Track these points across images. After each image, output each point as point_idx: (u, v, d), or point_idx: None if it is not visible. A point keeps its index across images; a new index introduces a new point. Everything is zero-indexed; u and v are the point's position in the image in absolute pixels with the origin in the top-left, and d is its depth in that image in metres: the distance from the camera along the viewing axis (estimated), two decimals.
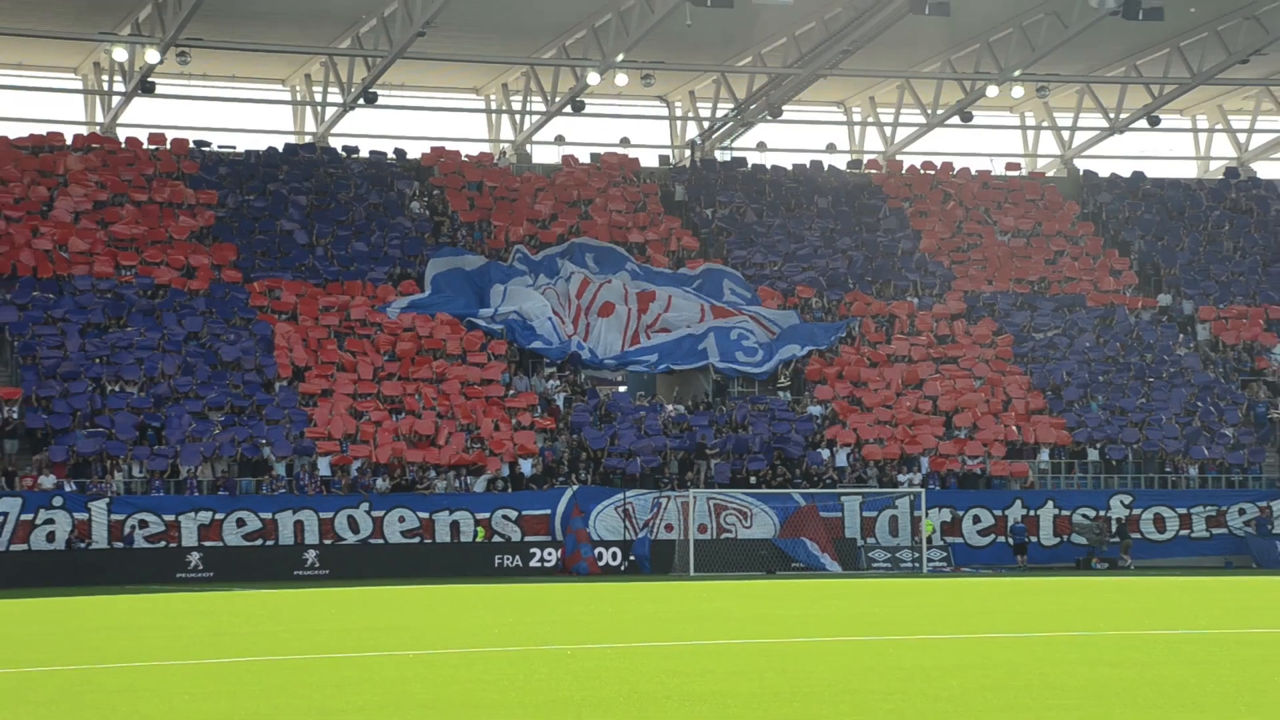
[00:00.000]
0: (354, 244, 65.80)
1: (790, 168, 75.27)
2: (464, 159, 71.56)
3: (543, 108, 71.63)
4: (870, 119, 77.46)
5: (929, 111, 74.26)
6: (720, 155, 75.52)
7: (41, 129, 67.96)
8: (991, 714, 17.89)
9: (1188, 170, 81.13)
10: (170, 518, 53.20)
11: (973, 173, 76.66)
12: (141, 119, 69.57)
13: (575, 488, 56.78)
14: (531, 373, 62.57)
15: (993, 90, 71.39)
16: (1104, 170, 78.61)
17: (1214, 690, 20.11)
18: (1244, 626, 31.21)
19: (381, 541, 54.58)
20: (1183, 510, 60.23)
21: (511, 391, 60.75)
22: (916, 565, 56.95)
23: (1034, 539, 58.78)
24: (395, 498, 55.43)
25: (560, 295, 64.97)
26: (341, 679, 22.60)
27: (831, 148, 77.52)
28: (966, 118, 73.56)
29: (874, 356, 64.96)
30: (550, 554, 55.16)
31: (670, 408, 61.95)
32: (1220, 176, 79.54)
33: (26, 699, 20.41)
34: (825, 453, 60.27)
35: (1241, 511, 60.38)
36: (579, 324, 64.40)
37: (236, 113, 75.22)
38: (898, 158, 76.75)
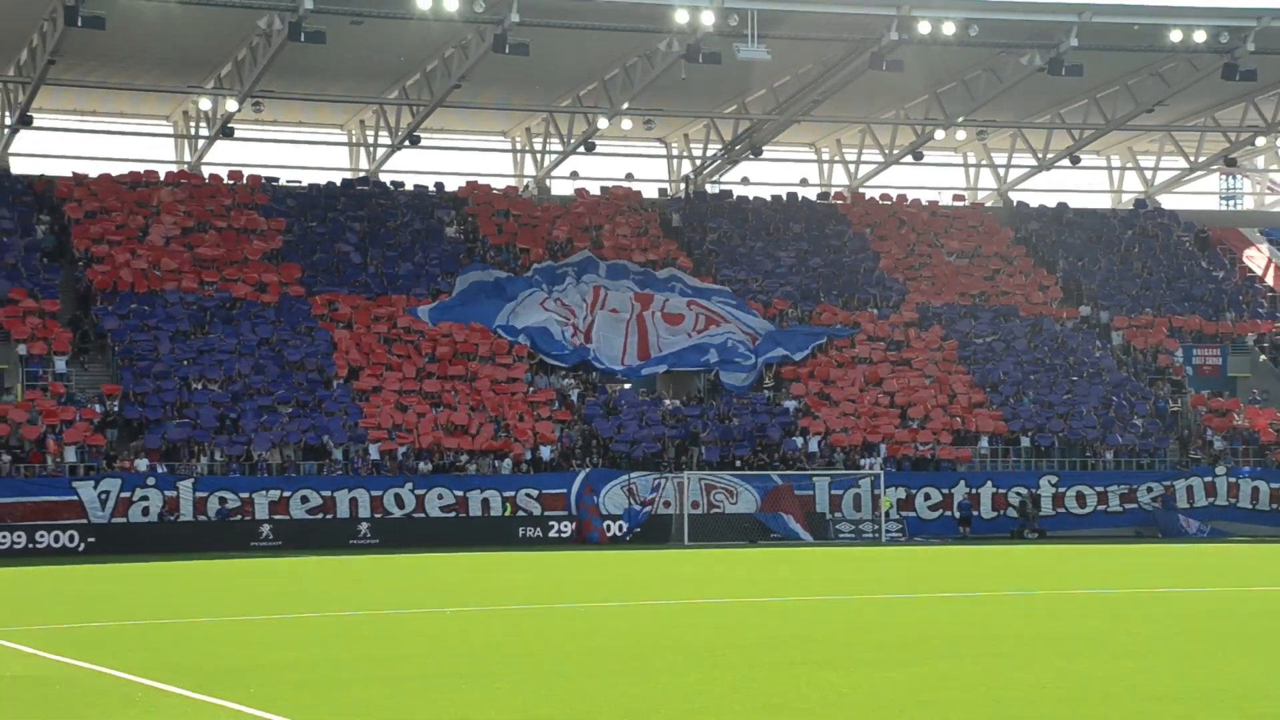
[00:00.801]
0: (400, 263, 65.78)
1: (769, 199, 75.16)
2: (493, 191, 71.52)
3: (560, 148, 71.57)
4: (836, 158, 77.42)
5: (886, 151, 74.26)
6: (710, 188, 75.42)
7: (139, 167, 67.97)
8: (939, 660, 17.97)
9: (1104, 202, 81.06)
10: (245, 495, 53.19)
11: (923, 203, 76.59)
12: (222, 158, 69.54)
13: (587, 470, 56.76)
14: (550, 372, 62.57)
15: (940, 134, 71.57)
16: (1034, 201, 78.55)
17: (1126, 640, 20.19)
18: (1151, 587, 31.31)
19: (423, 515, 54.47)
20: (1100, 489, 60.17)
21: (532, 388, 60.75)
22: (876, 535, 56.90)
23: (976, 513, 58.68)
24: (435, 478, 55.38)
25: (569, 303, 65.00)
26: (390, 631, 22.70)
27: (804, 182, 77.44)
28: (918, 157, 73.55)
29: (840, 359, 65.00)
30: (566, 526, 55.11)
31: (668, 402, 61.95)
32: (1131, 207, 79.51)
33: (128, 646, 20.53)
34: (799, 440, 60.28)
35: (1149, 490, 60.30)
36: (590, 330, 64.40)
37: (301, 153, 75.63)
38: (860, 190, 76.70)
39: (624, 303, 65.32)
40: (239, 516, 52.82)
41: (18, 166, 67.20)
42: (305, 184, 70.03)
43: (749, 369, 63.70)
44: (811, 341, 65.39)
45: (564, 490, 55.86)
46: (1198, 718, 13.39)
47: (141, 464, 53.48)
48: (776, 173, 77.79)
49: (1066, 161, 75.43)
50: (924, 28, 59.29)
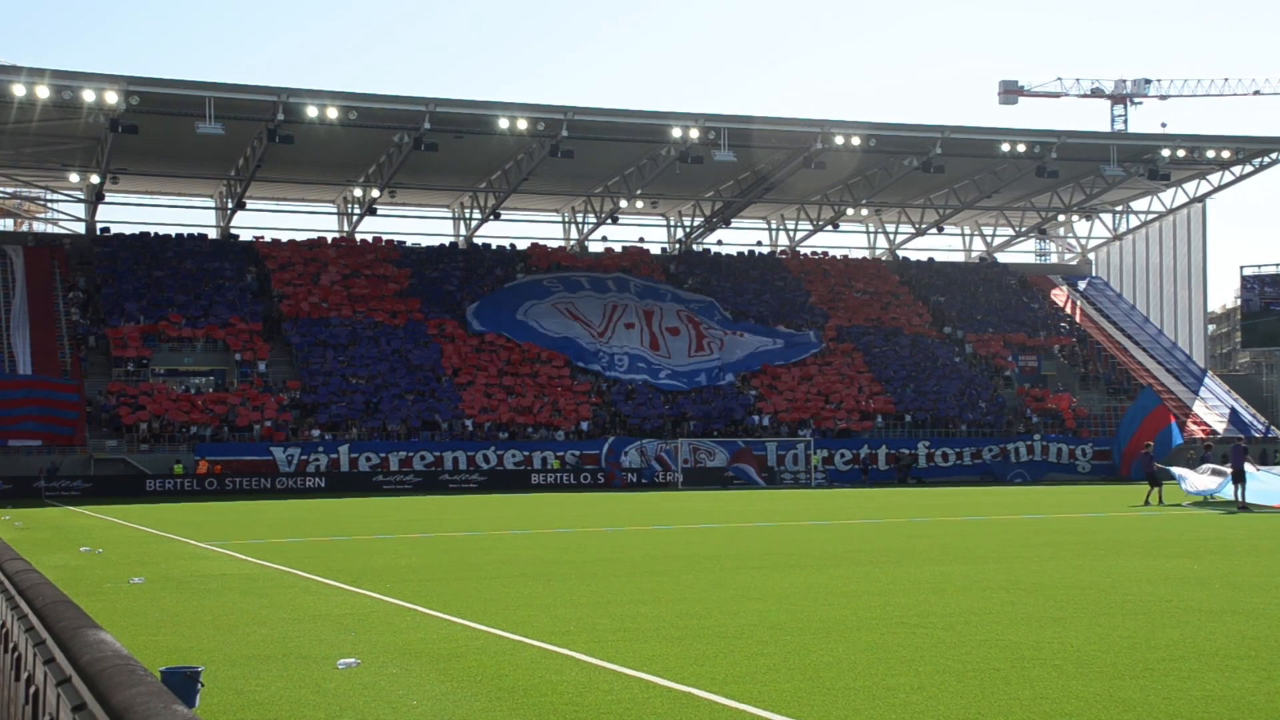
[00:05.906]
0: (487, 298, 65.93)
1: (736, 254, 75.32)
2: (549, 249, 71.71)
3: (594, 220, 71.83)
4: (781, 226, 77.55)
5: (814, 222, 74.43)
6: (696, 247, 75.64)
7: (313, 234, 68.44)
8: (851, 565, 18.01)
9: (959, 257, 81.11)
10: (383, 455, 53.38)
11: (839, 257, 76.66)
12: (369, 228, 70.36)
13: (612, 437, 56.86)
14: (588, 369, 62.63)
15: (850, 211, 71.78)
16: (914, 256, 78.69)
17: (974, 550, 20.21)
18: (990, 515, 31.29)
19: (503, 468, 54.62)
20: (957, 450, 60.13)
21: (576, 380, 60.87)
22: (808, 481, 57.00)
23: (875, 466, 58.78)
24: (510, 443, 55.49)
25: (586, 312, 65.00)
26: (480, 546, 22.75)
27: (759, 243, 77.61)
28: (836, 226, 73.82)
29: (786, 364, 65.01)
30: (599, 476, 55.22)
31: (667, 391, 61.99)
32: (977, 260, 79.68)
33: (305, 555, 20.63)
34: (756, 417, 60.33)
35: (990, 450, 60.35)
36: (605, 335, 64.32)
37: (421, 224, 75.68)
38: (797, 249, 76.80)
39: (637, 317, 65.43)
40: (379, 470, 52.97)
41: (236, 234, 67.62)
42: (424, 245, 70.23)
43: (728, 373, 63.86)
44: (796, 353, 65.47)
45: (597, 451, 55.96)
46: (1021, 602, 13.43)
47: (314, 435, 53.61)
48: (741, 236, 78.76)
49: (935, 230, 75.64)
50: (839, 140, 59.55)
